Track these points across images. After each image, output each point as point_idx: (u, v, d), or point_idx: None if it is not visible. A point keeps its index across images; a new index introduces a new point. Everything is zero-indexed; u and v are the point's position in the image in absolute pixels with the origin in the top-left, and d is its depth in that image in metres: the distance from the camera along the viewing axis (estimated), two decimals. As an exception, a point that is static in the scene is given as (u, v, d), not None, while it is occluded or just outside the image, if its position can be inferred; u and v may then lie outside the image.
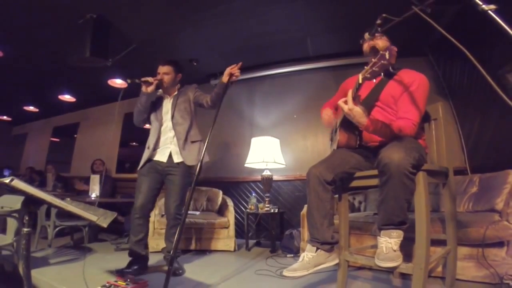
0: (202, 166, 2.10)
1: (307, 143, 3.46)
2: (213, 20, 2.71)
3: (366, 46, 1.47)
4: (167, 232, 2.00)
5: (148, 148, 2.04)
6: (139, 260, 1.92)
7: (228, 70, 1.80)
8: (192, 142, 2.07)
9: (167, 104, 2.11)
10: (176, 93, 2.14)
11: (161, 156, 2.03)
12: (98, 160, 4.16)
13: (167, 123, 2.07)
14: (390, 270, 1.70)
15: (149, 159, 2.02)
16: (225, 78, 1.80)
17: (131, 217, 1.99)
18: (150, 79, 1.97)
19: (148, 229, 2.03)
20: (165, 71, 2.04)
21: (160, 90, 2.13)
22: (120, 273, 1.82)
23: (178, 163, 2.00)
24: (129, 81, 1.91)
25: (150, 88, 1.98)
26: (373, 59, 1.13)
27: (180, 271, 1.94)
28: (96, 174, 3.51)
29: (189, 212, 2.86)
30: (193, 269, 2.05)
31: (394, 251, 1.14)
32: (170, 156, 2.02)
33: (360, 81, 1.21)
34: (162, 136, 2.06)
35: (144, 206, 1.94)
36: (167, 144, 2.04)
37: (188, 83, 2.20)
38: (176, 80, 2.12)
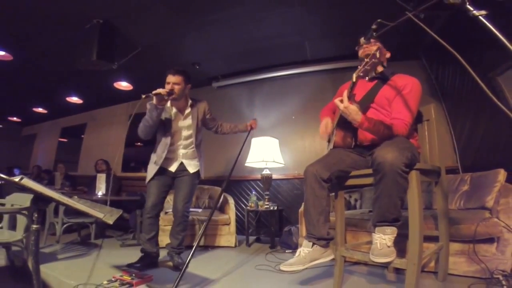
0: (203, 168, 2.18)
1: (305, 143, 3.52)
2: (215, 25, 2.77)
3: (361, 53, 1.52)
4: (173, 228, 2.05)
5: (155, 163, 2.01)
6: (150, 256, 2.01)
7: (252, 122, 2.40)
8: (200, 157, 2.13)
9: (181, 121, 2.05)
10: (189, 109, 2.06)
11: (172, 168, 2.06)
12: (99, 160, 4.28)
13: (182, 141, 2.05)
14: (384, 265, 1.73)
15: (159, 169, 2.01)
16: (248, 127, 2.39)
17: (143, 217, 2.05)
18: (162, 91, 1.81)
19: (159, 228, 2.09)
20: (175, 81, 1.90)
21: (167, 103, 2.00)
22: (129, 266, 1.91)
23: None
24: (143, 96, 1.79)
25: (163, 103, 1.86)
26: (366, 59, 1.20)
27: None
28: (100, 173, 3.59)
29: (191, 209, 2.94)
30: (196, 264, 2.09)
31: (388, 247, 1.16)
32: (181, 164, 2.06)
33: (354, 80, 1.26)
34: (175, 150, 2.05)
35: (154, 206, 2.00)
36: (179, 158, 2.06)
37: (191, 86, 2.23)
38: (185, 92, 2.00)
